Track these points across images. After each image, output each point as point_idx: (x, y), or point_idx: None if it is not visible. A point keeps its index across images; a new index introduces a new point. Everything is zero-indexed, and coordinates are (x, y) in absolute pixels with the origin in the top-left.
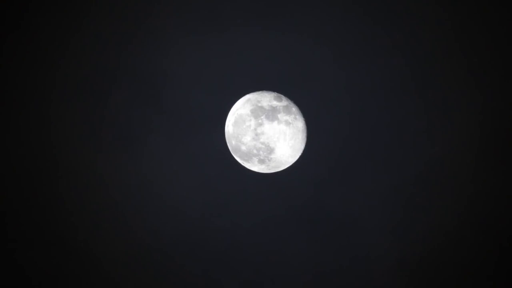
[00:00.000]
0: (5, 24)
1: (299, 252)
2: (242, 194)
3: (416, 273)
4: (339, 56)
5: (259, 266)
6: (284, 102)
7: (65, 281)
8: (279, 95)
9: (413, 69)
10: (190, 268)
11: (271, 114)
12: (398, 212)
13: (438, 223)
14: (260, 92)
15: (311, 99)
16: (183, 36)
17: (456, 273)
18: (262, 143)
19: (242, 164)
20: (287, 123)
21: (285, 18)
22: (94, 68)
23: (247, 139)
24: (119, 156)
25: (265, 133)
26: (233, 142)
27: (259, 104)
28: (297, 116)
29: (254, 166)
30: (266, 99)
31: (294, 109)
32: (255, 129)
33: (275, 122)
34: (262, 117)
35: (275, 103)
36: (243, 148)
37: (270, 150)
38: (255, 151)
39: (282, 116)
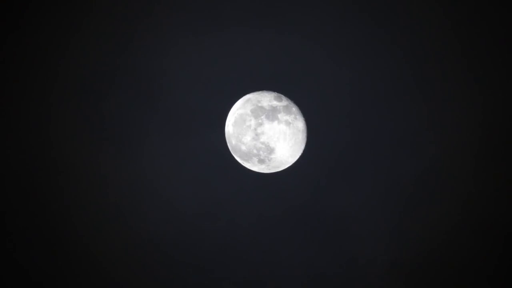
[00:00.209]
0: (5, 24)
1: (298, 252)
2: (242, 194)
3: (415, 274)
4: (339, 56)
5: (258, 266)
6: (284, 102)
7: (63, 279)
8: (279, 95)
9: (413, 69)
10: (190, 268)
11: (271, 114)
12: (398, 212)
13: (436, 224)
14: (260, 92)
15: (311, 99)
16: (183, 36)
17: (453, 274)
18: (262, 143)
19: (242, 164)
20: (287, 123)
21: (286, 18)
22: (94, 69)
23: (247, 139)
24: (119, 155)
25: (265, 133)
26: (233, 142)
27: (259, 104)
28: (297, 116)
29: (254, 166)
30: (266, 99)
31: (294, 109)
32: (255, 129)
33: (275, 122)
34: (262, 117)
35: (275, 103)
36: (243, 148)
37: (270, 150)
38: (255, 151)
39: (282, 116)
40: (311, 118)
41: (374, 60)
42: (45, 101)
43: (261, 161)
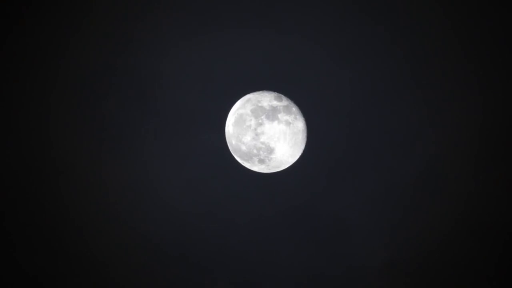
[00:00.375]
0: (5, 24)
1: (298, 251)
2: (242, 194)
3: (414, 274)
4: (339, 57)
5: (258, 265)
6: (285, 102)
7: (63, 279)
8: (280, 95)
9: (413, 69)
10: (190, 268)
11: (272, 114)
12: (398, 212)
13: (435, 224)
14: (260, 92)
15: (311, 99)
16: (184, 36)
17: (452, 274)
18: (262, 143)
19: (242, 164)
20: (287, 123)
21: (286, 18)
22: (94, 69)
23: (247, 139)
24: (119, 156)
25: (265, 133)
26: (233, 142)
27: (260, 104)
28: (297, 116)
29: (254, 166)
30: (266, 99)
31: (295, 109)
32: (255, 129)
33: (275, 122)
34: (262, 117)
35: (275, 103)
36: (243, 148)
37: (270, 150)
38: (255, 151)
39: (282, 116)
40: (311, 118)
41: (374, 60)
42: (45, 101)
43: (261, 161)
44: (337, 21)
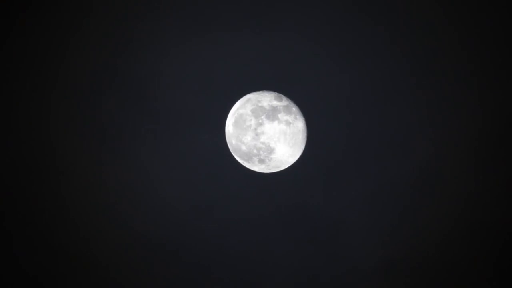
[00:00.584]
0: (4, 25)
1: (298, 251)
2: (242, 194)
3: (413, 274)
4: (339, 57)
5: (258, 265)
6: (285, 102)
7: (63, 278)
8: (280, 95)
9: (413, 69)
10: (190, 268)
11: (272, 114)
12: (399, 213)
13: (433, 225)
14: (260, 92)
15: (311, 99)
16: (184, 37)
17: (449, 275)
18: (263, 143)
19: (242, 164)
20: (288, 123)
21: (286, 18)
22: (94, 69)
23: (248, 139)
24: (120, 156)
25: (266, 133)
26: (234, 142)
27: (260, 104)
28: (297, 116)
29: (254, 166)
30: (266, 99)
31: (295, 109)
32: (256, 129)
33: (276, 122)
34: (262, 117)
35: (275, 103)
36: (244, 148)
37: (271, 150)
38: (255, 151)
39: (282, 116)
40: (311, 118)
41: (374, 60)
42: (45, 101)
43: (261, 161)
44: (337, 21)
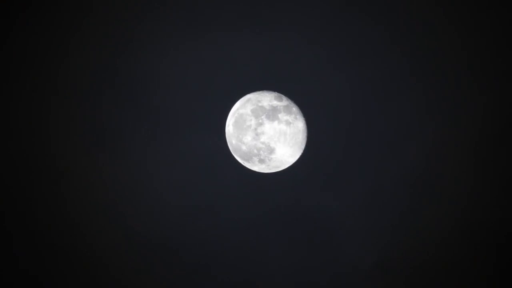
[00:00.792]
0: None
1: (298, 251)
2: (242, 194)
3: (412, 275)
4: (339, 57)
5: (258, 265)
6: (285, 102)
7: (63, 278)
8: (280, 95)
9: (414, 69)
10: (190, 268)
11: (272, 114)
12: (399, 213)
13: (432, 225)
14: (260, 92)
15: (311, 99)
16: (184, 37)
17: (449, 275)
18: (263, 143)
19: (243, 163)
20: (288, 123)
21: (286, 19)
22: (94, 70)
23: (248, 139)
24: (120, 156)
25: (266, 133)
26: (234, 142)
27: (260, 104)
28: (297, 116)
29: (255, 166)
30: (266, 99)
31: (295, 109)
32: (256, 129)
33: (276, 122)
34: (262, 116)
35: (275, 103)
36: (244, 148)
37: (271, 150)
38: (255, 151)
39: (282, 116)
40: (311, 118)
41: (374, 60)
42: (45, 101)
43: (262, 161)
44: (337, 21)
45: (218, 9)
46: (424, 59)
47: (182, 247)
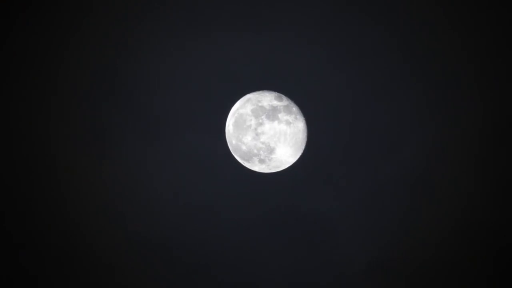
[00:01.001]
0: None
1: (298, 251)
2: (242, 194)
3: (412, 275)
4: (339, 57)
5: (258, 265)
6: (285, 102)
7: (63, 278)
8: (280, 94)
9: (414, 69)
10: (190, 268)
11: (272, 113)
12: (403, 212)
13: (431, 225)
14: (260, 91)
15: (311, 99)
16: (184, 37)
17: (448, 275)
18: (263, 143)
19: (243, 163)
20: (288, 123)
21: (286, 19)
22: (94, 69)
23: (248, 139)
24: (120, 155)
25: (266, 133)
26: (234, 142)
27: (260, 104)
28: (297, 116)
29: (255, 166)
30: (266, 98)
31: (295, 109)
32: (256, 129)
33: (276, 122)
34: (262, 116)
35: (275, 102)
36: (244, 148)
37: (271, 150)
38: (255, 151)
39: (282, 116)
40: (311, 118)
41: (374, 60)
42: (45, 101)
43: (262, 161)
44: (337, 21)
45: (218, 9)
46: (424, 59)
47: (182, 247)
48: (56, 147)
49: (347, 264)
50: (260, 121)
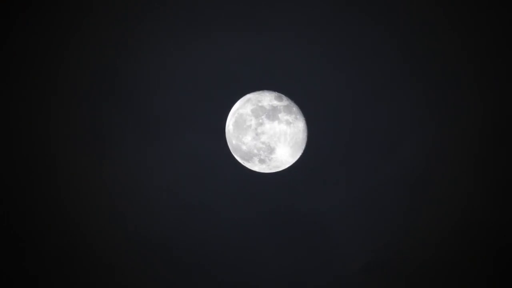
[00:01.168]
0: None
1: (299, 251)
2: (242, 194)
3: (412, 276)
4: (339, 56)
5: (258, 266)
6: (285, 102)
7: (63, 278)
8: (280, 94)
9: (414, 69)
10: (191, 268)
11: (272, 113)
12: (403, 213)
13: (430, 226)
14: (260, 91)
15: (312, 99)
16: (184, 37)
17: (447, 276)
18: (263, 143)
19: (243, 164)
20: (288, 123)
21: (286, 19)
22: (94, 70)
23: (248, 139)
24: (120, 155)
25: (266, 133)
26: (234, 142)
27: (260, 104)
28: (297, 116)
29: (255, 166)
30: (267, 98)
31: (295, 109)
32: (256, 129)
33: (276, 122)
34: (262, 116)
35: (275, 102)
36: (244, 148)
37: (271, 150)
38: (255, 151)
39: (282, 116)
40: (311, 118)
41: (374, 60)
42: (45, 102)
43: (262, 161)
44: (337, 21)
45: (218, 9)
46: (424, 59)
47: (182, 247)
48: (56, 147)
49: (348, 264)
50: (260, 121)
